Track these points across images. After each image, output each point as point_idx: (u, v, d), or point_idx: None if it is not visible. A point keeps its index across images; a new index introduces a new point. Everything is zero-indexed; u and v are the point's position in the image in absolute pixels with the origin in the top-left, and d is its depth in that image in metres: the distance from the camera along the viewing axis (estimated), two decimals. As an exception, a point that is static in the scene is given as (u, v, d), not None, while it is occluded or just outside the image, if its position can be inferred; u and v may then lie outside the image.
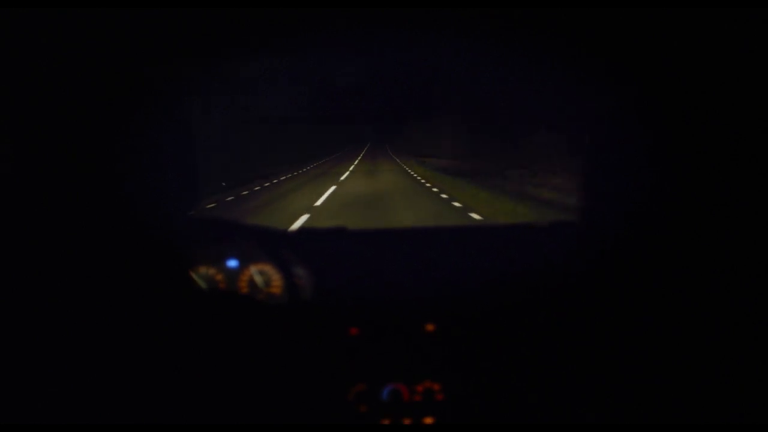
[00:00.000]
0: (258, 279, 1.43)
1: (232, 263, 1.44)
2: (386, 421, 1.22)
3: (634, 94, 1.25)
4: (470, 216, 7.44)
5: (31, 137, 1.10)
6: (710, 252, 1.10)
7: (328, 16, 1.18)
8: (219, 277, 1.44)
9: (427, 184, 13.06)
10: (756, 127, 1.02)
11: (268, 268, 1.43)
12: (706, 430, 1.04)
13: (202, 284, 1.42)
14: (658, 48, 1.11)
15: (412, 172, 16.05)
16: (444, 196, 10.47)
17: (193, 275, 1.42)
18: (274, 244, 1.46)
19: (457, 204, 9.01)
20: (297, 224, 7.15)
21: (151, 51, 1.24)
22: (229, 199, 11.38)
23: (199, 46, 1.32)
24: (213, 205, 10.24)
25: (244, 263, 1.44)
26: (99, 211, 1.22)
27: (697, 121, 1.11)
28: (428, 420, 1.22)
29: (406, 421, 1.22)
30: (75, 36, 1.07)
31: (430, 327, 1.28)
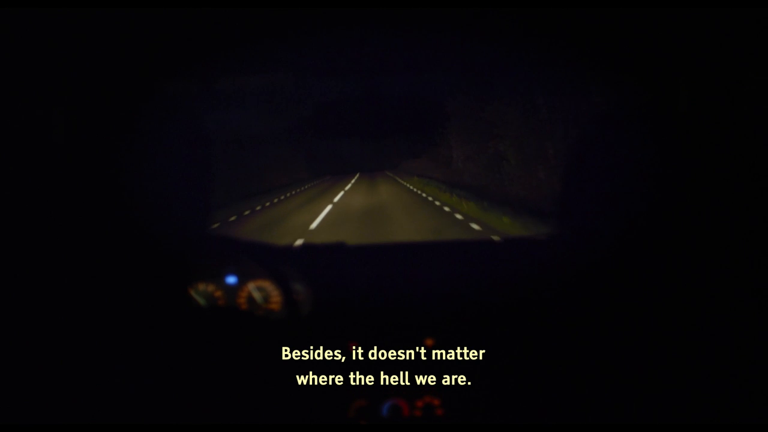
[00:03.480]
0: (257, 295, 1.43)
1: (231, 279, 1.44)
2: None
3: (621, 103, 1.29)
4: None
5: (34, 153, 1.11)
6: (703, 256, 1.14)
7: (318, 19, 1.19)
8: (218, 293, 1.44)
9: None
10: (747, 134, 1.06)
11: (267, 284, 1.44)
12: (706, 430, 1.07)
13: (201, 301, 1.42)
14: (652, 53, 1.15)
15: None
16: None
17: (192, 292, 1.42)
18: (273, 260, 1.47)
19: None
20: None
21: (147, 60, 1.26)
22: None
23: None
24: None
25: (243, 279, 1.44)
26: (102, 227, 1.22)
27: (688, 129, 1.15)
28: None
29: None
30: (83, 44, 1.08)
31: (429, 341, 1.30)
